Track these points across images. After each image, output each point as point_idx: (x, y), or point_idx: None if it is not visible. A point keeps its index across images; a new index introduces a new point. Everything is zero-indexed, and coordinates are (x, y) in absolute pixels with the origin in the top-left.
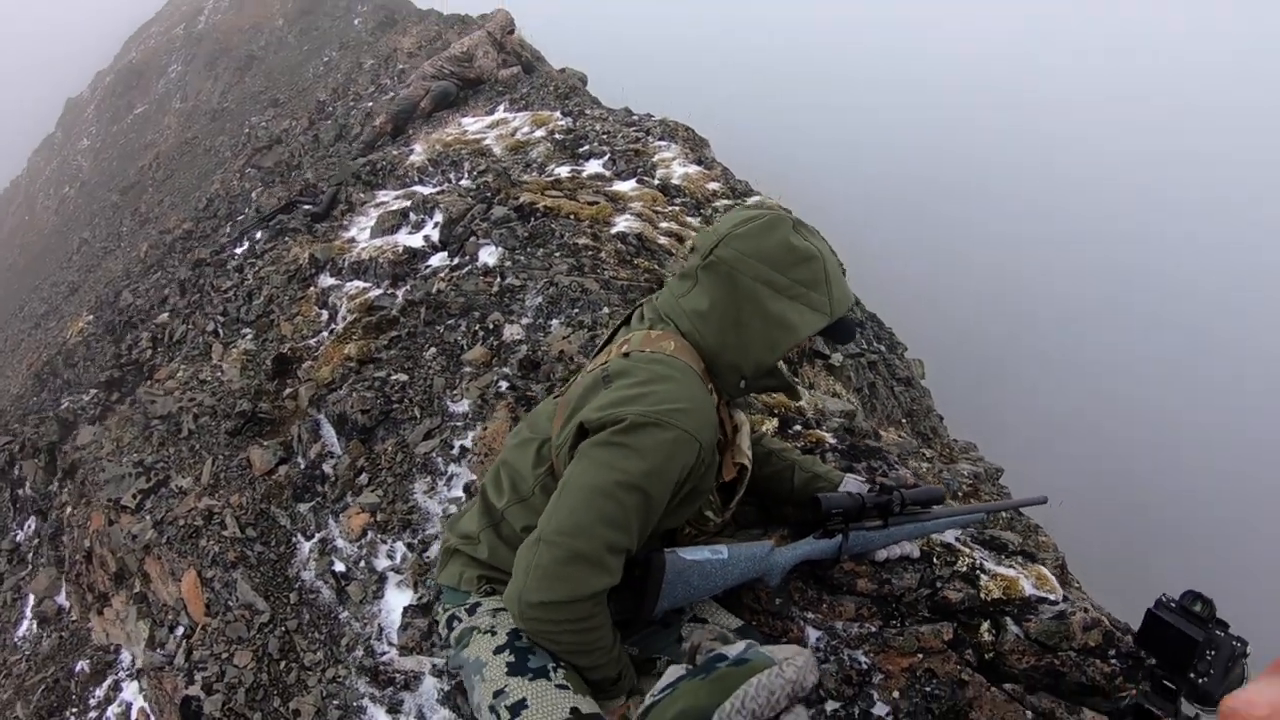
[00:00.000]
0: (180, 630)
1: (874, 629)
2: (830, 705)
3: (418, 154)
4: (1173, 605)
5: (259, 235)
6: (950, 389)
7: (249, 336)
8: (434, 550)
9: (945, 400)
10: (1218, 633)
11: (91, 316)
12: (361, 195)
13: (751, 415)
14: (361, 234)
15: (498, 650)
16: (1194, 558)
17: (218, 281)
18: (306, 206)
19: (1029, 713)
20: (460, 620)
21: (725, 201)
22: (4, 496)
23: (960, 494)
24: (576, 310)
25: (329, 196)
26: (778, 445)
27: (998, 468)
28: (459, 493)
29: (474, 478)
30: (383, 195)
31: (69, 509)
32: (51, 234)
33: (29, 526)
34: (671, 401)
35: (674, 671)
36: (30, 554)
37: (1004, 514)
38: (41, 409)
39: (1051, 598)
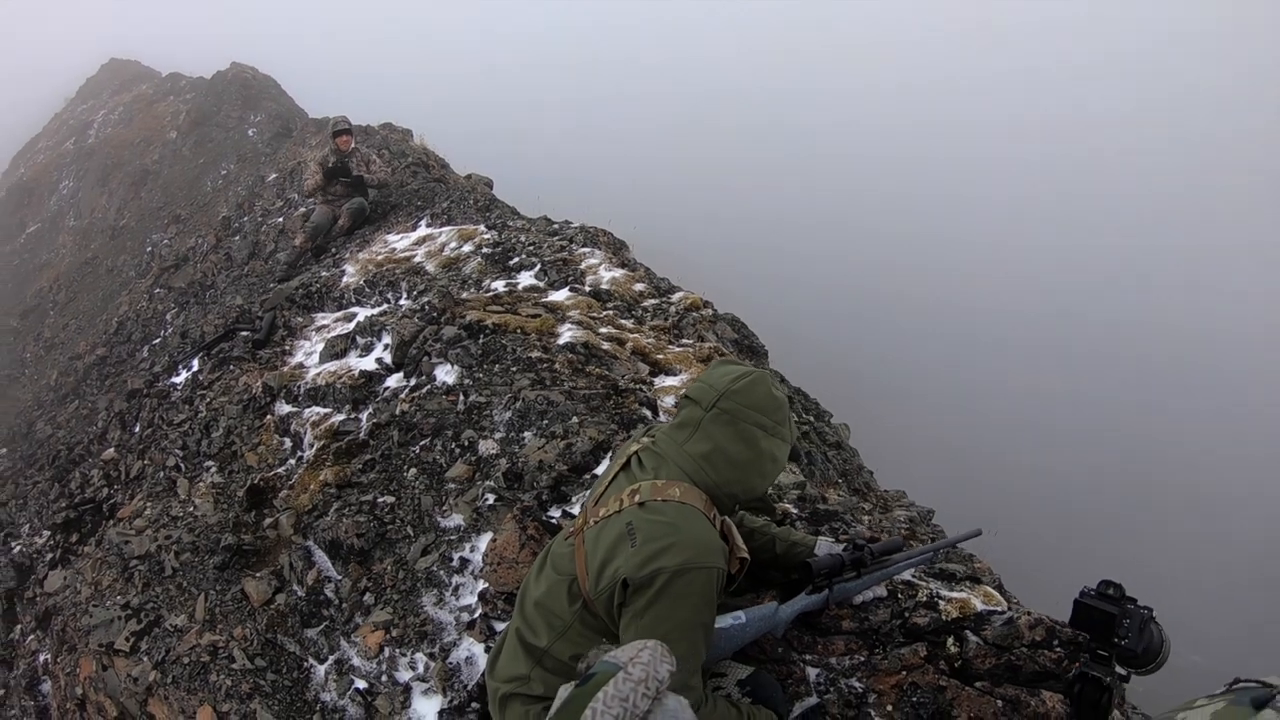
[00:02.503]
0: None
1: (862, 658)
2: None
3: (351, 274)
4: (1092, 592)
5: (195, 364)
6: (873, 442)
7: (213, 469)
8: (455, 657)
9: (870, 454)
10: (1129, 606)
11: (4, 449)
12: (299, 319)
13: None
14: (309, 359)
15: None
16: (1101, 552)
17: (169, 415)
18: (245, 333)
19: (999, 702)
20: None
21: (653, 301)
22: None
23: (900, 536)
24: (546, 421)
25: (268, 322)
26: (758, 523)
27: (929, 509)
28: (469, 600)
29: (486, 586)
30: (321, 318)
31: (44, 656)
32: None
33: None
34: (692, 546)
35: (563, 691)
36: None
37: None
38: None
39: (999, 609)
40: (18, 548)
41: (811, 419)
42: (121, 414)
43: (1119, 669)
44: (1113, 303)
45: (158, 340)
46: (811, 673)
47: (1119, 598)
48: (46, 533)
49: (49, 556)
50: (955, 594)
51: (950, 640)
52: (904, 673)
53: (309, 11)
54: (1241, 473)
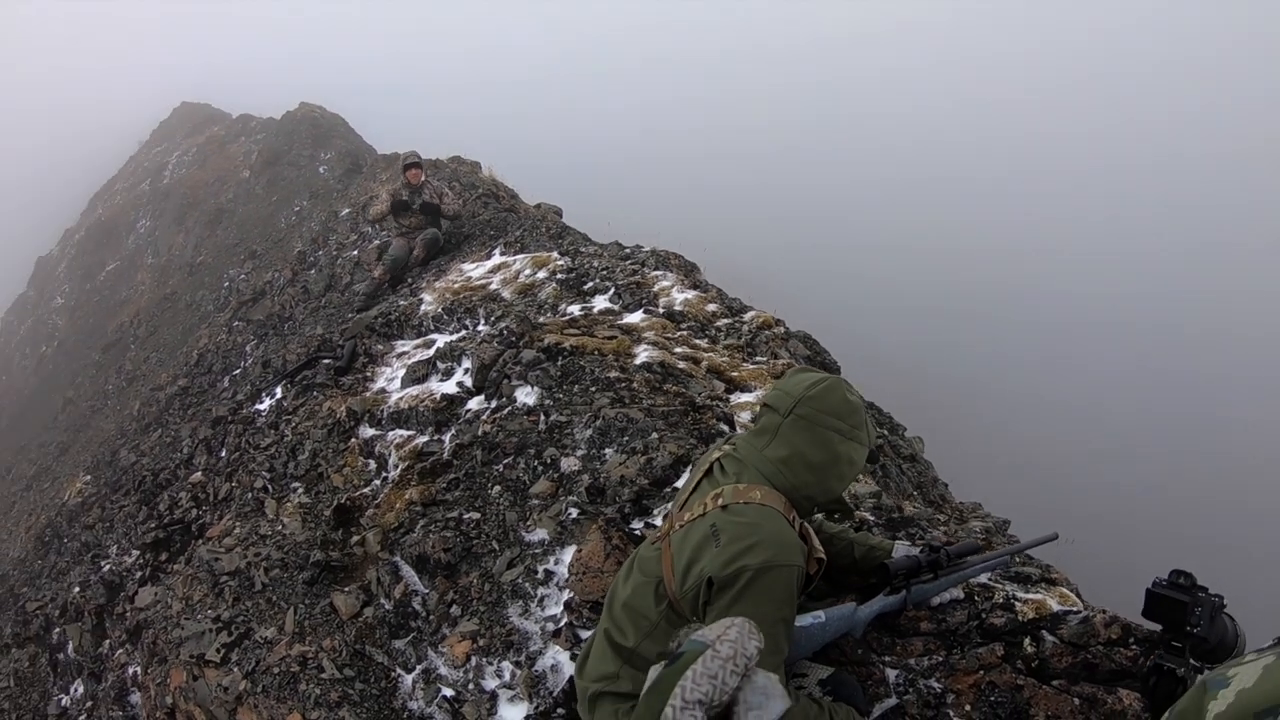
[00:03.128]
0: None
1: (940, 659)
2: None
3: (429, 303)
4: (1164, 582)
5: (279, 391)
6: (948, 455)
7: (300, 490)
8: (541, 664)
9: (945, 467)
10: (1200, 594)
11: (89, 476)
12: (380, 346)
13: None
14: (391, 384)
15: None
16: (1172, 543)
17: (255, 439)
18: (327, 361)
19: (1076, 700)
20: None
21: (725, 320)
22: (42, 662)
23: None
24: (626, 438)
25: (349, 350)
26: (835, 529)
27: (1004, 519)
28: (554, 610)
29: (571, 595)
30: (401, 345)
31: (133, 669)
32: (31, 394)
33: (75, 690)
34: (774, 545)
35: (653, 672)
36: (82, 717)
37: (1021, 554)
38: (52, 572)
39: (1075, 609)
40: (107, 566)
41: (885, 432)
42: (207, 440)
43: (1193, 661)
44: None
45: (238, 371)
46: (891, 674)
47: (1190, 586)
48: (136, 552)
49: (138, 574)
50: (1031, 595)
51: (1027, 640)
52: (981, 672)
53: (375, 52)
54: None
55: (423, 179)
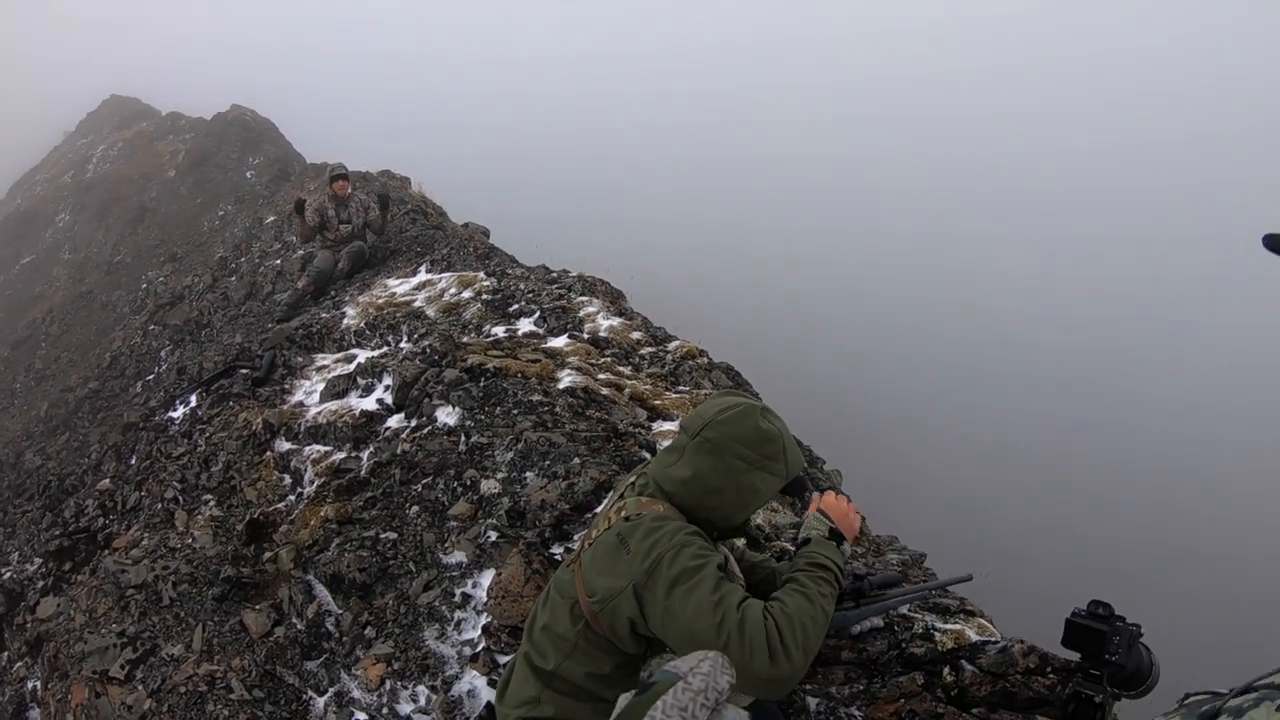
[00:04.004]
0: None
1: (861, 687)
2: None
3: (351, 317)
4: (1083, 612)
5: (193, 400)
6: (866, 489)
7: (212, 503)
8: (457, 689)
9: (863, 499)
10: (1118, 623)
11: None
12: (300, 359)
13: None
14: (309, 398)
15: None
16: (1083, 576)
17: (167, 448)
18: (245, 371)
19: None
20: None
21: (650, 349)
22: None
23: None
24: (548, 462)
25: (268, 361)
26: (758, 558)
27: (921, 552)
28: (471, 634)
29: (490, 619)
30: (322, 359)
31: (32, 683)
32: None
33: None
34: (679, 528)
35: (622, 700)
36: None
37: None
38: None
39: (993, 639)
40: (8, 574)
41: (805, 465)
42: (117, 446)
43: (1110, 688)
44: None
45: (151, 376)
46: (812, 702)
47: (1108, 616)
48: (38, 560)
49: (40, 584)
50: (950, 625)
51: (946, 669)
52: (902, 700)
53: (308, 58)
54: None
55: (349, 191)
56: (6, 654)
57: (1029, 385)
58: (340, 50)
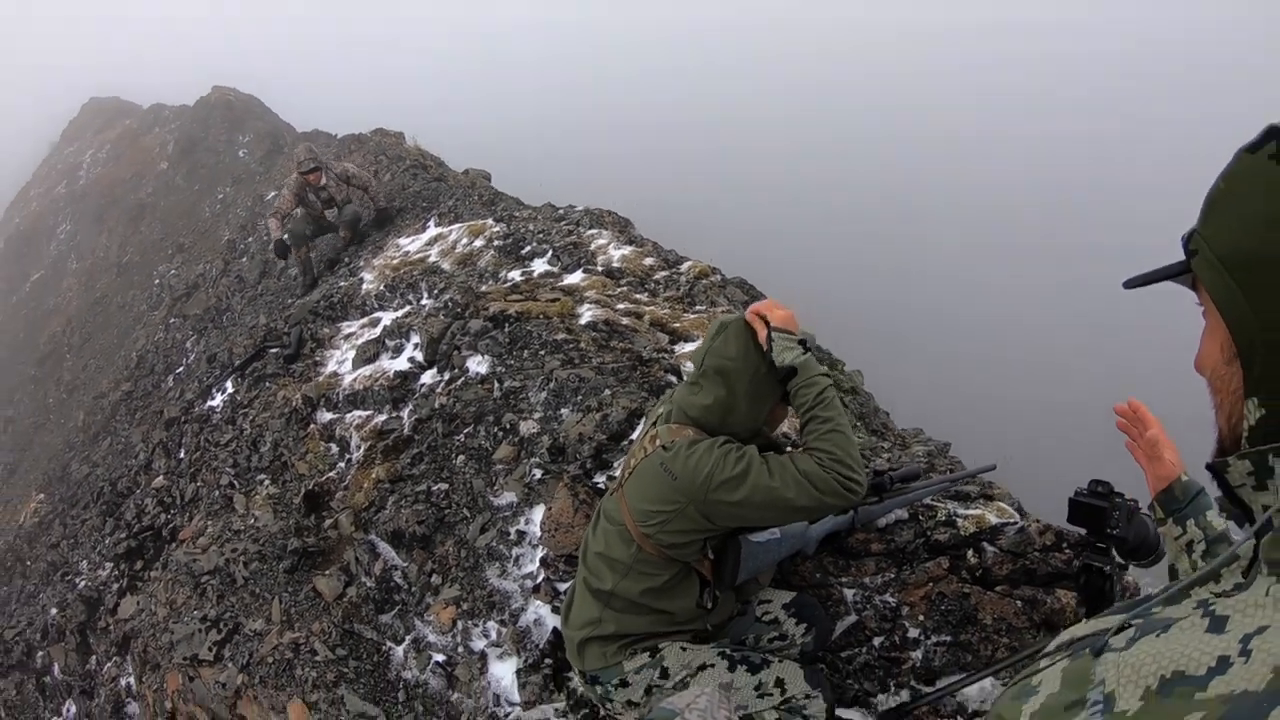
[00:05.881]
0: None
1: (892, 575)
2: (876, 640)
3: (370, 281)
4: (1084, 491)
5: (229, 386)
6: (888, 386)
7: (266, 482)
8: (524, 620)
9: (885, 397)
10: (1116, 499)
11: (43, 495)
12: (326, 330)
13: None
14: (342, 367)
15: (706, 666)
16: (1101, 453)
17: (214, 436)
18: (275, 350)
19: (1018, 602)
20: (631, 682)
21: (663, 273)
22: (29, 688)
23: (919, 466)
24: (580, 397)
25: (295, 336)
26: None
27: (945, 442)
28: (530, 568)
29: (546, 551)
30: (347, 326)
31: (125, 680)
32: None
33: (68, 710)
34: (711, 447)
35: None
36: None
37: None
38: (21, 597)
39: (1012, 521)
40: (82, 583)
41: (825, 368)
42: (163, 442)
43: (1118, 559)
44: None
45: (181, 369)
46: (848, 593)
47: (1107, 493)
48: (109, 565)
49: (115, 586)
50: (971, 511)
51: (970, 552)
52: (930, 584)
53: (279, 26)
54: None
55: (323, 180)
56: (95, 658)
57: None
58: (311, 12)
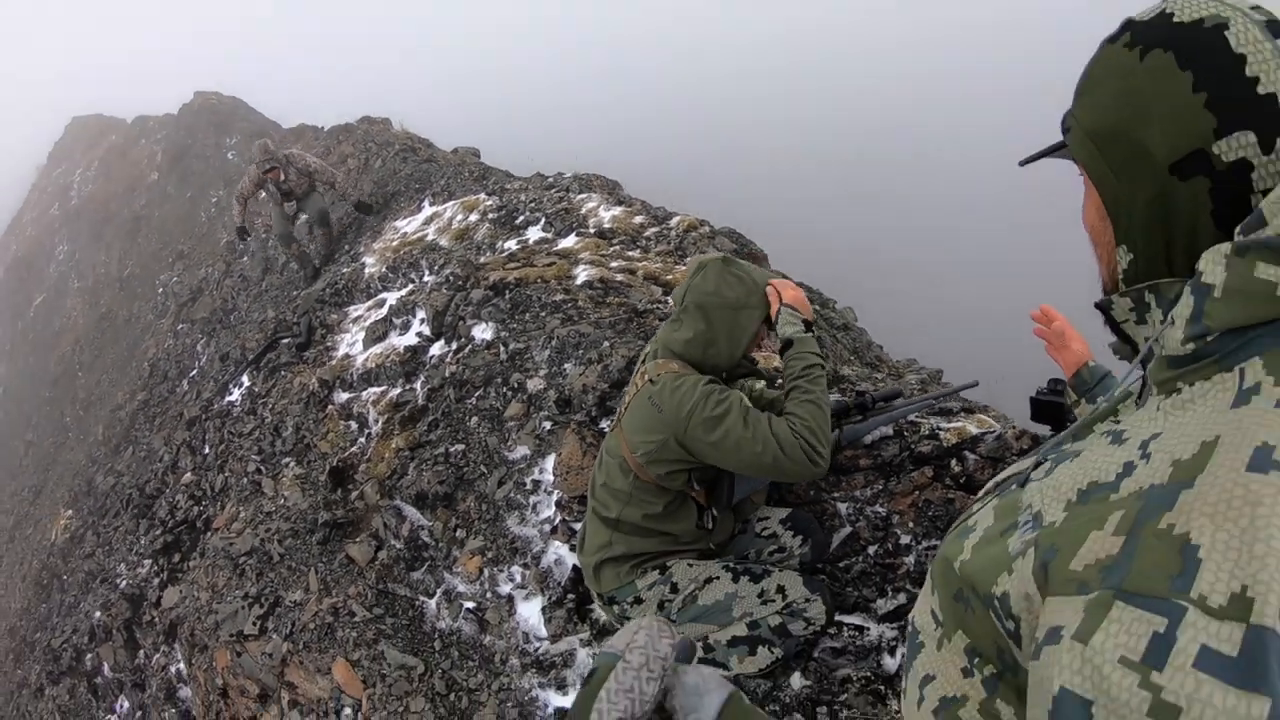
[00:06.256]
0: (347, 710)
1: (880, 487)
2: (871, 548)
3: (371, 265)
4: (1044, 390)
5: (245, 380)
6: (882, 320)
7: (292, 464)
8: (545, 561)
9: (879, 331)
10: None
11: (71, 511)
12: (334, 315)
13: (747, 382)
14: (353, 348)
15: (712, 579)
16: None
17: (236, 428)
18: (286, 340)
19: None
20: (645, 598)
21: (653, 229)
22: (81, 690)
23: (899, 387)
24: (581, 351)
25: (305, 325)
26: (773, 394)
27: (938, 369)
28: (547, 513)
29: (560, 494)
30: (354, 310)
31: (174, 667)
32: None
33: (121, 706)
34: (698, 380)
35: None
36: None
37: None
38: (62, 609)
39: (991, 430)
40: (123, 583)
41: (816, 308)
42: (187, 441)
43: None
44: None
45: (194, 371)
46: (841, 507)
47: (1063, 390)
48: (148, 562)
49: (156, 581)
50: (953, 424)
51: (953, 461)
52: (917, 492)
53: (253, 27)
54: None
55: (282, 176)
56: (143, 651)
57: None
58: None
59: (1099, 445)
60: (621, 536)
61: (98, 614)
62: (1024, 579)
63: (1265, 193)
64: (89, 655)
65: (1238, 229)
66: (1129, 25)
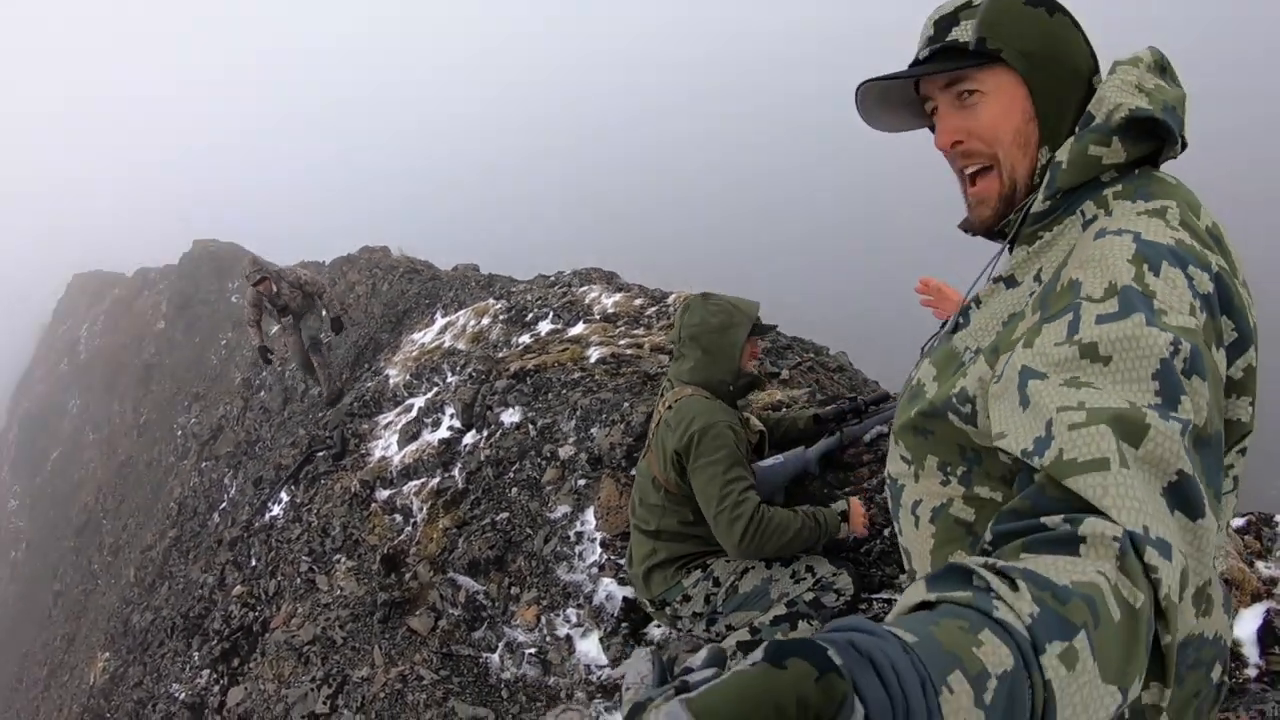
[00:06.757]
0: None
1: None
2: (886, 531)
3: (395, 376)
4: None
5: (284, 496)
6: (875, 358)
7: (343, 560)
8: (597, 599)
9: (875, 371)
10: None
11: (108, 653)
12: (365, 425)
13: (749, 405)
14: (388, 450)
15: (749, 569)
16: None
17: (283, 536)
18: (322, 453)
19: None
20: (692, 595)
21: (653, 309)
22: None
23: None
24: (604, 415)
25: (339, 436)
26: (776, 416)
27: None
28: (593, 558)
29: (603, 535)
30: (384, 418)
31: None
32: (17, 601)
33: None
34: (705, 415)
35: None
36: None
37: None
38: None
39: None
40: (182, 694)
41: (810, 354)
42: (232, 560)
43: None
44: None
45: (224, 504)
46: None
47: None
48: (205, 672)
49: (216, 688)
50: None
51: None
52: None
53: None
54: None
55: (274, 289)
56: None
57: None
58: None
59: (999, 293)
60: (663, 544)
61: None
62: (978, 368)
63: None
64: None
65: (1076, 126)
66: None
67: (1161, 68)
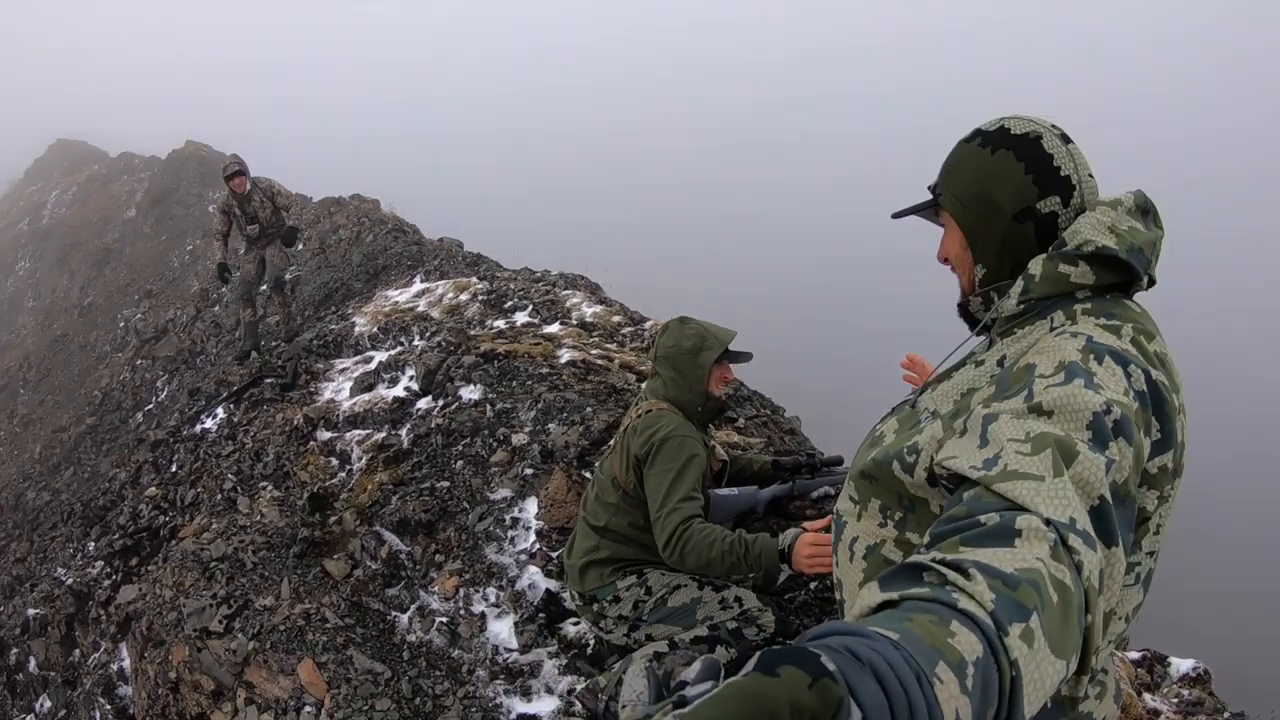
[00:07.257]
0: (308, 709)
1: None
2: (812, 584)
3: (362, 325)
4: None
5: (220, 412)
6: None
7: (269, 488)
8: (520, 584)
9: (822, 439)
10: None
11: None
12: (320, 365)
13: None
14: (339, 395)
15: (680, 585)
16: None
17: (213, 449)
18: (270, 380)
19: None
20: (622, 598)
21: (629, 329)
22: None
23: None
24: (565, 414)
25: (292, 368)
26: (738, 454)
27: None
28: (524, 545)
29: (542, 524)
30: (341, 363)
31: (117, 664)
32: None
33: (41, 705)
34: (670, 424)
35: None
36: None
37: None
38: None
39: None
40: (70, 579)
41: (768, 411)
42: (151, 461)
43: None
44: None
45: (151, 405)
46: None
47: None
48: (99, 563)
49: (108, 581)
50: None
51: None
52: None
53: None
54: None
55: (248, 187)
56: (78, 651)
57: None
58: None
59: (965, 370)
60: (608, 543)
61: (32, 610)
62: (932, 428)
63: (1065, 228)
64: (14, 651)
65: (1050, 247)
66: (979, 133)
67: (1144, 210)
